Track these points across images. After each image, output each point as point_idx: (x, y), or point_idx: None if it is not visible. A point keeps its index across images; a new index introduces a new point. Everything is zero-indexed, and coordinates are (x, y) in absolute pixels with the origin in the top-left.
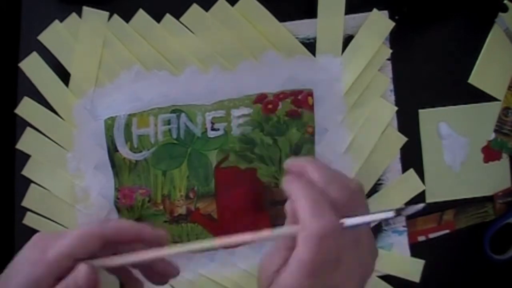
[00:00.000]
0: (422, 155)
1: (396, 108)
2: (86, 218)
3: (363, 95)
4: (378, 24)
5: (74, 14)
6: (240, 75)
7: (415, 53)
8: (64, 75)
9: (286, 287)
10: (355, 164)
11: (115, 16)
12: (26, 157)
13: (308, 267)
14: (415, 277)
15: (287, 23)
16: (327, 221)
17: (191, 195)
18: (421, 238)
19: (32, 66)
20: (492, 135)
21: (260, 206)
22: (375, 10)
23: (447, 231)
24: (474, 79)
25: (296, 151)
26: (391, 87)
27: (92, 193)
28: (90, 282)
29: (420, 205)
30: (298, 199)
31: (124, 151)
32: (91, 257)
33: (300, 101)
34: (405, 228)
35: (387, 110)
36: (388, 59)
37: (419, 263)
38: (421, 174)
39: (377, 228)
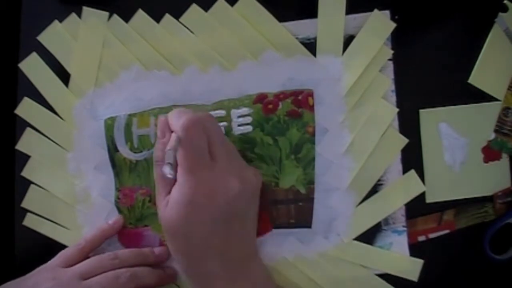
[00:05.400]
0: (423, 155)
1: (397, 110)
2: (86, 219)
3: (364, 95)
4: (379, 25)
5: (73, 14)
6: (240, 75)
7: (415, 53)
8: (64, 75)
9: (175, 191)
10: (355, 165)
11: (115, 16)
12: (26, 157)
13: (184, 158)
14: (414, 276)
15: (287, 23)
16: (187, 117)
17: None
18: (421, 238)
19: (32, 67)
20: (492, 135)
21: (261, 206)
22: (376, 10)
23: (447, 231)
24: (474, 79)
25: (296, 151)
26: (393, 87)
27: (92, 194)
28: None
29: None
30: (169, 118)
31: (124, 151)
32: None
33: (301, 101)
34: (405, 228)
35: (388, 111)
36: (390, 60)
37: (418, 263)
38: (421, 174)
39: (377, 228)
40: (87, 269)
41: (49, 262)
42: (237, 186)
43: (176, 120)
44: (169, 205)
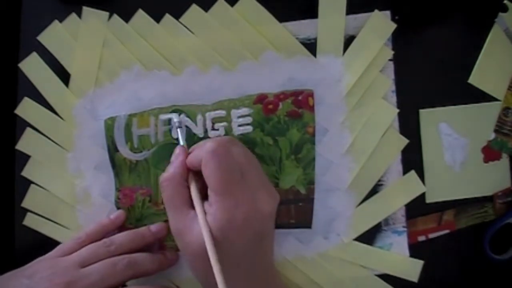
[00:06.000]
0: (423, 155)
1: (397, 111)
2: (87, 219)
3: (365, 96)
4: (379, 25)
5: (73, 14)
6: (240, 75)
7: (415, 53)
8: (64, 75)
9: (210, 215)
10: (356, 165)
11: (115, 16)
12: (26, 157)
13: (218, 180)
14: (413, 277)
15: (287, 23)
16: (218, 140)
17: None
18: (421, 238)
19: (32, 66)
20: (492, 135)
21: None
22: (376, 11)
23: (447, 231)
24: (474, 79)
25: (296, 151)
26: (393, 88)
27: (92, 194)
28: None
29: None
30: (198, 148)
31: (124, 151)
32: None
33: (301, 102)
34: (405, 229)
35: (389, 112)
36: (390, 60)
37: (418, 263)
38: (421, 174)
39: (377, 228)
40: (84, 257)
41: (47, 254)
42: (271, 204)
43: (199, 148)
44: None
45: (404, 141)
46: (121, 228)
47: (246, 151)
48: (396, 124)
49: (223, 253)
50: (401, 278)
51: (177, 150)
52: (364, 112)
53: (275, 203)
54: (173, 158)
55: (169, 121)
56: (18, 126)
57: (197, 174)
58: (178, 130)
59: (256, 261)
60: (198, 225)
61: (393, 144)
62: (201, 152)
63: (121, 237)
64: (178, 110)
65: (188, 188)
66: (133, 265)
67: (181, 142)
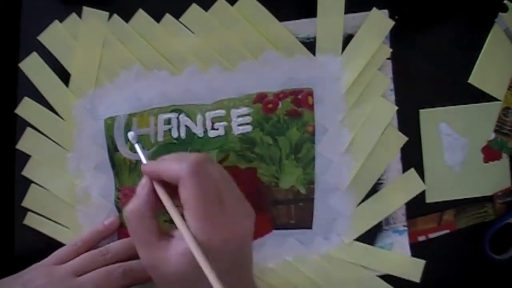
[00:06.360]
0: (423, 155)
1: (396, 108)
2: (87, 219)
3: (363, 94)
4: (378, 23)
5: (74, 14)
6: (240, 74)
7: (415, 53)
8: (64, 75)
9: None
10: (355, 164)
11: (115, 16)
12: (26, 157)
13: (197, 203)
14: (416, 277)
15: (287, 23)
16: (197, 159)
17: None
18: (421, 238)
19: (32, 66)
20: (492, 135)
21: (261, 206)
22: (374, 9)
23: (447, 231)
24: (474, 79)
25: (296, 151)
26: (391, 86)
27: (92, 193)
28: None
29: None
30: (165, 165)
31: (124, 151)
32: None
33: (300, 101)
34: (406, 228)
35: (388, 109)
36: (388, 58)
37: (420, 263)
38: (421, 174)
39: (378, 228)
40: (80, 266)
41: (43, 260)
42: (248, 225)
43: (176, 163)
44: (180, 254)
45: (403, 139)
46: (120, 230)
47: (220, 168)
48: (395, 122)
49: (199, 279)
50: (403, 278)
51: (143, 180)
52: (363, 110)
53: (251, 220)
54: (138, 188)
55: (169, 120)
56: (18, 126)
57: (167, 185)
58: (136, 145)
59: (239, 278)
60: (172, 253)
61: (392, 141)
62: (178, 170)
63: (117, 245)
64: (178, 110)
65: (155, 218)
66: (129, 273)
67: (143, 160)
